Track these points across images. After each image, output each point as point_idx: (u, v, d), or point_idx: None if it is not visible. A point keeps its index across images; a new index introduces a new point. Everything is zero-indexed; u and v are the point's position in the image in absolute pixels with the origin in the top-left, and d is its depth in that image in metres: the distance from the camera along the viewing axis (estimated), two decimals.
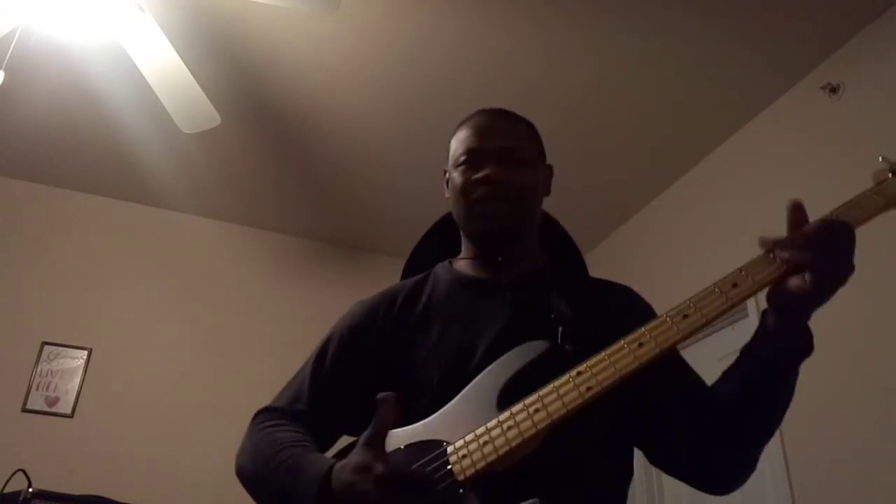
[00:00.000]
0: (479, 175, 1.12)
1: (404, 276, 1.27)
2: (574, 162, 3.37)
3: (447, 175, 1.22)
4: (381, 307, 1.15)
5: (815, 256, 0.86)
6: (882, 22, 2.61)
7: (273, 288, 4.11)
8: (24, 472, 2.52)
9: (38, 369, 3.52)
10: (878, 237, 2.43)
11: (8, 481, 2.55)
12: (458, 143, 1.19)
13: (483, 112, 1.22)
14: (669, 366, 1.05)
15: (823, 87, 2.76)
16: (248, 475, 1.04)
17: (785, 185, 2.84)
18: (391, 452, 0.89)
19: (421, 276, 1.21)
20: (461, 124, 1.23)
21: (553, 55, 2.89)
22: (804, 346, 0.92)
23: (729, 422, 0.96)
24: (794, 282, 0.87)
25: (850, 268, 0.87)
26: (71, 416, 3.49)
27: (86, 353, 3.62)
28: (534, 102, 3.08)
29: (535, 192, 1.18)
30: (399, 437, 0.93)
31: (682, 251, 3.39)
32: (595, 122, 3.23)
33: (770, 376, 0.94)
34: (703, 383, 1.06)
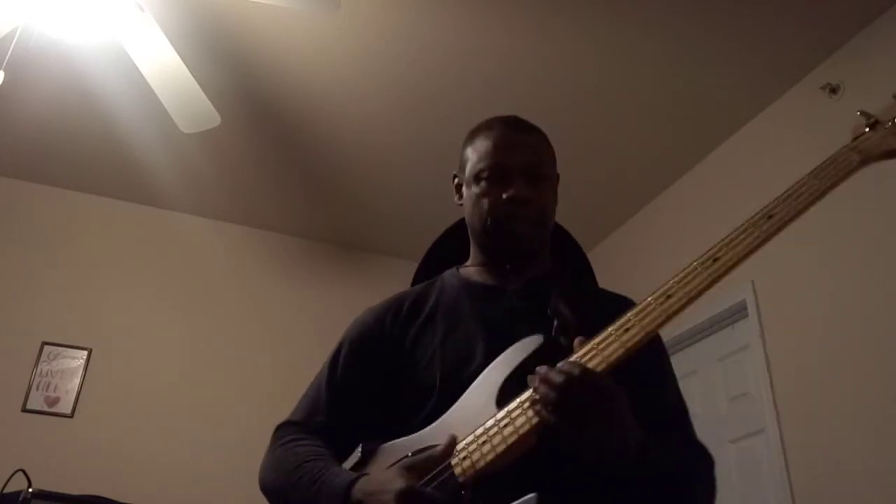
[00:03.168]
0: (506, 194, 1.11)
1: (414, 283, 1.29)
2: (574, 161, 3.36)
3: (457, 181, 1.23)
4: (388, 313, 1.16)
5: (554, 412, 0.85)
6: (882, 22, 2.61)
7: (273, 288, 4.11)
8: (24, 472, 2.52)
9: (38, 369, 3.52)
10: (877, 235, 2.42)
11: (8, 481, 2.55)
12: (477, 154, 1.17)
13: (501, 122, 1.21)
14: (653, 383, 1.05)
15: (823, 87, 2.75)
16: (271, 489, 1.08)
17: (785, 185, 2.83)
18: (399, 460, 0.93)
19: (429, 282, 1.23)
20: (477, 133, 1.21)
21: (554, 55, 2.89)
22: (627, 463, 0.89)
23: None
24: None
25: (587, 424, 0.85)
26: (71, 416, 3.49)
27: (86, 353, 3.62)
28: (535, 101, 3.08)
29: (553, 207, 1.19)
30: (406, 445, 0.97)
31: (682, 251, 3.38)
32: (595, 122, 3.23)
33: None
34: (674, 415, 1.05)
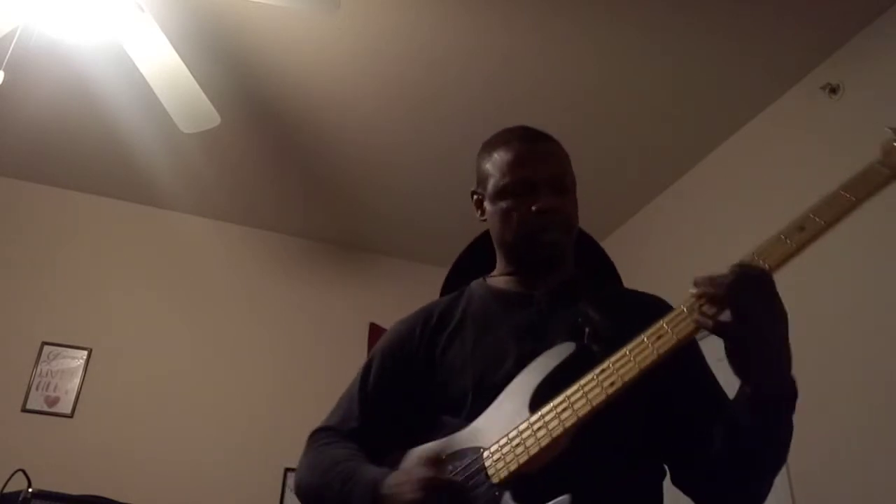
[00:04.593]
0: (535, 206, 1.12)
1: (442, 294, 1.31)
2: (574, 161, 3.35)
3: (476, 197, 1.23)
4: (418, 324, 1.19)
5: (723, 306, 0.84)
6: (882, 22, 2.61)
7: (273, 288, 4.11)
8: (24, 472, 2.51)
9: (38, 369, 3.52)
10: (876, 234, 2.41)
11: (8, 481, 2.54)
12: (500, 170, 1.17)
13: (516, 135, 1.21)
14: (694, 373, 1.07)
15: (823, 87, 2.76)
16: (306, 490, 1.11)
17: (785, 185, 2.84)
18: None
19: (456, 293, 1.24)
20: (494, 148, 1.21)
21: (554, 54, 2.89)
22: (780, 396, 0.89)
23: (732, 454, 0.95)
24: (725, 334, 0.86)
25: (766, 312, 0.85)
26: (71, 416, 3.48)
27: (86, 353, 3.62)
28: (535, 101, 3.08)
29: (577, 214, 1.20)
30: (441, 447, 0.99)
31: (682, 252, 3.39)
32: (594, 122, 3.23)
33: (757, 424, 0.91)
34: (724, 398, 1.04)
